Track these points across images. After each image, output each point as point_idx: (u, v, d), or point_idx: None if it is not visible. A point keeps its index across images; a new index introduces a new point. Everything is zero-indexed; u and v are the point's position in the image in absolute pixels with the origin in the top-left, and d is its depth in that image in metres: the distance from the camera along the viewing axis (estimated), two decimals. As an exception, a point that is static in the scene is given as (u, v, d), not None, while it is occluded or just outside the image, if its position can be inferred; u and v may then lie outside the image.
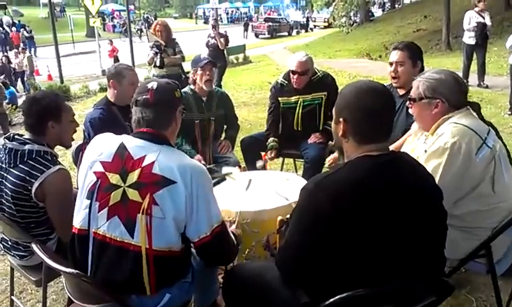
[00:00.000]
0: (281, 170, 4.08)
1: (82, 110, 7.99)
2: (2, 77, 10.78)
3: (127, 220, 1.57)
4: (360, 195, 1.37)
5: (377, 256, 1.38)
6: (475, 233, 1.97)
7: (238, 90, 10.07)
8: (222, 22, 40.41)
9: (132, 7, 36.46)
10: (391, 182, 1.41)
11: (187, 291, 1.77)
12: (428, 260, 1.46)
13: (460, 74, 8.37)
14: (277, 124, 3.72)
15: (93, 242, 1.62)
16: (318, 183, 1.43)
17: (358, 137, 1.48)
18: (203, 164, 3.22)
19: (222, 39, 9.34)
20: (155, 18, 23.72)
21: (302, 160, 3.70)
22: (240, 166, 3.37)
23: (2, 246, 2.30)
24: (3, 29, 24.39)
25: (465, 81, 8.20)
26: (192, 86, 3.56)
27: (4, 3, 28.35)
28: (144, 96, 1.70)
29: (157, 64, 5.44)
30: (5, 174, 2.07)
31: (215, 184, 2.54)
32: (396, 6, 32.60)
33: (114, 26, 33.45)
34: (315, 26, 37.35)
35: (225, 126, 3.78)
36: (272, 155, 3.64)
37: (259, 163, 3.41)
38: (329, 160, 3.24)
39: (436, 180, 1.80)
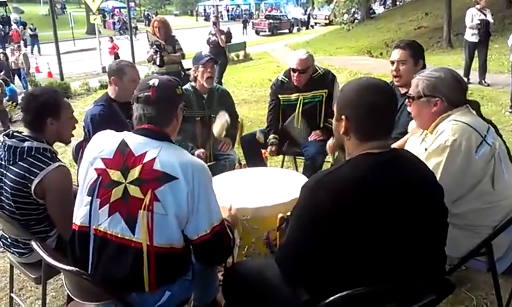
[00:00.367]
0: (282, 167, 4.07)
1: (83, 108, 7.99)
2: (1, 73, 10.76)
3: (128, 216, 1.57)
4: (361, 192, 1.36)
5: (378, 254, 1.37)
6: (475, 231, 1.96)
7: (238, 87, 10.07)
8: (223, 19, 40.40)
9: (132, 4, 36.44)
10: (392, 180, 1.40)
11: (187, 289, 1.76)
12: (429, 258, 1.45)
13: (461, 71, 8.39)
14: (277, 121, 3.72)
15: (94, 238, 1.61)
16: (319, 181, 1.42)
17: (360, 134, 1.47)
18: (204, 160, 3.25)
19: (223, 37, 9.32)
20: (156, 16, 23.66)
21: (302, 158, 3.69)
22: (240, 163, 3.37)
23: (1, 243, 2.30)
24: (9, 26, 24.40)
25: (467, 79, 8.23)
26: (193, 83, 3.55)
27: (5, 0, 28.32)
28: (145, 93, 1.70)
29: (157, 63, 5.44)
30: (4, 172, 2.06)
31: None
32: (397, 3, 32.50)
33: (114, 23, 33.39)
34: (316, 23, 37.26)
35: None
36: (273, 149, 3.63)
37: (258, 134, 3.41)
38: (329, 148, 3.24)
39: (437, 177, 1.79)
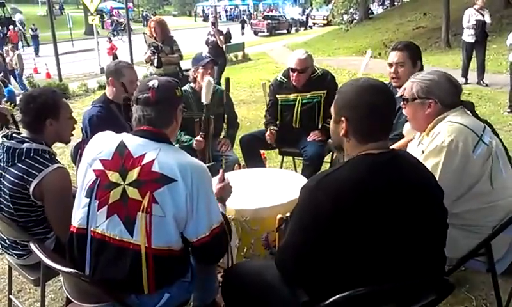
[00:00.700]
0: (281, 168, 4.07)
1: (81, 108, 7.97)
2: (0, 75, 10.73)
3: (126, 218, 1.56)
4: (360, 193, 1.36)
5: (377, 255, 1.37)
6: (474, 231, 1.96)
7: (237, 88, 10.06)
8: (221, 19, 40.40)
9: (130, 5, 36.41)
10: (392, 180, 1.40)
11: (186, 291, 1.76)
12: (428, 259, 1.45)
13: (459, 72, 8.41)
14: (275, 120, 3.71)
15: (91, 241, 1.61)
16: (318, 182, 1.42)
17: (359, 135, 1.47)
18: (203, 160, 3.25)
19: (221, 37, 9.32)
20: (154, 16, 23.65)
21: (301, 158, 3.69)
22: (239, 164, 3.37)
23: (0, 245, 2.28)
24: (7, 26, 24.31)
25: (465, 79, 8.25)
26: (192, 84, 3.55)
27: (3, 1, 28.23)
28: (145, 95, 1.69)
29: (155, 64, 5.44)
30: (3, 173, 2.06)
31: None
32: (395, 3, 32.55)
33: (112, 23, 33.34)
34: (314, 24, 37.29)
35: (225, 124, 3.76)
36: (273, 132, 3.59)
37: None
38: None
39: (436, 178, 1.80)
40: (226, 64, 10.52)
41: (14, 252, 2.20)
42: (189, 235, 1.63)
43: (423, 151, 1.98)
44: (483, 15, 8.04)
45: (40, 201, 2.04)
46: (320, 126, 3.61)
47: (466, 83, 8.22)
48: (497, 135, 2.08)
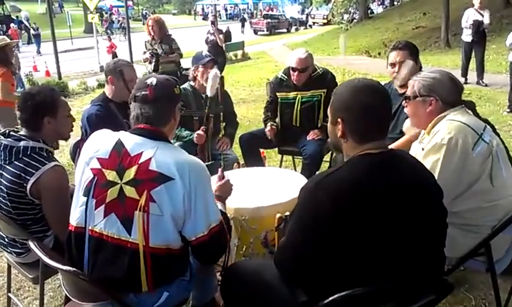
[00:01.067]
0: (280, 167, 4.07)
1: (80, 107, 7.97)
2: None
3: (124, 217, 1.56)
4: (359, 193, 1.36)
5: (377, 255, 1.37)
6: (474, 231, 1.96)
7: (237, 87, 10.05)
8: (221, 18, 40.35)
9: (130, 3, 36.34)
10: (391, 180, 1.40)
11: (185, 289, 1.76)
12: (428, 258, 1.45)
13: (459, 72, 8.41)
14: (274, 117, 3.71)
15: (89, 239, 1.60)
16: (318, 183, 1.42)
17: (357, 136, 1.47)
18: (202, 159, 3.25)
19: (221, 36, 9.31)
20: (154, 14, 23.62)
21: (301, 157, 3.69)
22: (239, 163, 3.36)
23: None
24: (7, 24, 24.28)
25: (464, 79, 8.24)
26: (192, 83, 3.55)
27: (2, -1, 28.18)
28: (143, 92, 1.68)
29: (152, 68, 5.49)
30: (0, 171, 2.05)
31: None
32: (395, 3, 32.53)
33: (112, 22, 33.30)
34: (314, 23, 37.28)
35: (224, 123, 3.76)
36: (274, 127, 3.60)
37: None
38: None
39: (435, 176, 1.80)
40: (226, 63, 10.52)
41: (13, 250, 2.19)
42: (188, 234, 1.62)
43: (423, 149, 1.98)
44: (482, 15, 8.03)
45: (37, 199, 2.03)
46: (319, 125, 3.60)
47: (465, 83, 8.22)
48: (498, 135, 2.08)
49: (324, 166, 3.63)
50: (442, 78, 2.02)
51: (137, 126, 1.69)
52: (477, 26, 8.00)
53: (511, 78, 6.48)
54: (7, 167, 2.03)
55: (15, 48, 5.33)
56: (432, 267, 1.47)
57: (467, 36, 8.27)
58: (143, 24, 29.19)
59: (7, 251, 2.25)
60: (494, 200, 1.96)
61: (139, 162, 1.58)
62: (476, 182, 1.94)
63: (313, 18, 38.27)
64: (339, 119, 1.50)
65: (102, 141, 1.68)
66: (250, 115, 7.14)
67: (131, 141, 1.64)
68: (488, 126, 2.04)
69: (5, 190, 2.03)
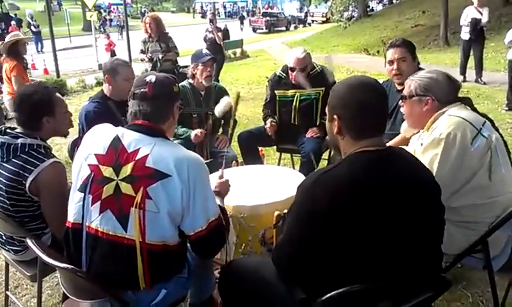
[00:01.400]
0: (279, 165, 4.07)
1: (78, 105, 7.93)
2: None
3: (119, 214, 1.55)
4: (356, 190, 1.36)
5: (374, 252, 1.37)
6: (471, 227, 1.97)
7: (235, 85, 10.04)
8: (220, 16, 40.29)
9: (129, 1, 36.27)
10: (388, 177, 1.40)
11: (183, 287, 1.76)
12: (425, 255, 1.45)
13: (458, 70, 8.41)
14: (273, 115, 3.71)
15: (87, 236, 1.60)
16: (316, 180, 1.42)
17: (353, 133, 1.47)
18: (201, 156, 3.24)
19: (220, 34, 9.29)
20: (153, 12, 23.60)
21: (299, 155, 3.69)
22: (237, 161, 3.36)
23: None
24: (5, 22, 24.15)
25: (463, 77, 8.25)
26: (190, 80, 3.55)
27: (0, -3, 28.09)
28: (142, 90, 1.68)
29: (149, 67, 5.52)
30: (-2, 169, 2.05)
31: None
32: (394, 1, 32.52)
33: (111, 20, 33.22)
34: (313, 21, 37.27)
35: (222, 121, 3.76)
36: (273, 123, 3.60)
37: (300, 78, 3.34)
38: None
39: (434, 171, 1.81)
40: (225, 61, 10.51)
41: (11, 248, 2.19)
42: (186, 229, 1.63)
43: (422, 144, 1.99)
44: (481, 13, 8.04)
45: (36, 196, 2.03)
46: (318, 123, 3.60)
47: (464, 81, 8.22)
48: (497, 130, 2.08)
49: (323, 164, 3.63)
50: (439, 78, 2.03)
51: (134, 122, 1.69)
52: (475, 24, 8.01)
53: (510, 76, 6.48)
54: (5, 164, 2.02)
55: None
56: (429, 264, 1.47)
57: (465, 33, 8.28)
58: (142, 22, 29.17)
59: (5, 249, 2.24)
60: (492, 197, 1.97)
61: (136, 158, 1.58)
62: (474, 177, 1.95)
63: (312, 16, 38.29)
64: (335, 116, 1.50)
65: (100, 137, 1.68)
66: (249, 113, 7.13)
67: (128, 137, 1.63)
68: (488, 122, 2.04)
69: (3, 188, 2.02)
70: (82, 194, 1.60)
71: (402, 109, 2.18)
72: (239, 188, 2.45)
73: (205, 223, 1.62)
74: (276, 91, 3.65)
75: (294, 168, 3.98)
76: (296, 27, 35.01)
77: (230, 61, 14.53)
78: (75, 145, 2.96)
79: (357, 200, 1.35)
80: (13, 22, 23.64)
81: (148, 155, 1.57)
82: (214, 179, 2.18)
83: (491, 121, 2.08)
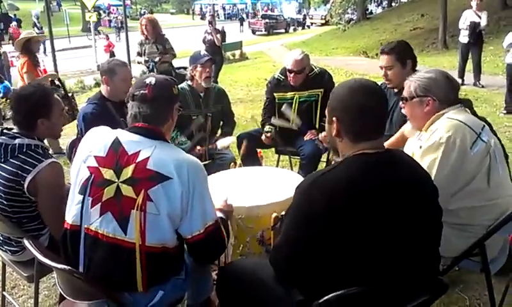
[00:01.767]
0: (277, 166, 4.07)
1: (77, 105, 7.92)
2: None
3: (120, 216, 1.55)
4: (354, 193, 1.36)
5: (371, 254, 1.37)
6: (469, 230, 1.97)
7: (234, 87, 10.05)
8: (219, 18, 40.37)
9: (128, 2, 36.28)
10: (386, 180, 1.40)
11: (180, 288, 1.75)
12: (423, 258, 1.46)
13: (456, 73, 8.42)
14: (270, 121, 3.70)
15: (85, 238, 1.60)
16: (314, 181, 1.42)
17: (352, 136, 1.48)
18: (199, 153, 3.25)
19: (219, 36, 9.29)
20: (151, 14, 23.64)
21: (298, 157, 3.69)
22: (236, 163, 3.36)
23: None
24: (5, 23, 24.12)
25: (461, 80, 8.26)
26: (189, 82, 3.55)
27: (-1, -4, 28.08)
28: (142, 91, 1.68)
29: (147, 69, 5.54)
30: (-4, 170, 2.04)
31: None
32: (393, 4, 32.60)
33: (110, 21, 33.23)
34: (312, 23, 37.33)
35: (221, 123, 3.76)
36: (268, 135, 3.61)
37: (286, 110, 3.37)
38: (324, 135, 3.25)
39: (432, 175, 1.81)
40: (224, 63, 10.51)
41: (8, 248, 2.19)
42: (184, 232, 1.62)
43: (421, 147, 1.99)
44: (480, 17, 8.06)
45: (34, 196, 2.02)
46: (317, 125, 3.60)
47: (462, 84, 8.22)
48: (495, 134, 2.08)
49: (321, 166, 3.63)
50: (438, 78, 2.02)
51: (134, 125, 1.69)
52: (474, 28, 8.02)
53: (508, 79, 6.50)
54: (2, 165, 2.02)
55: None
56: (427, 266, 1.47)
57: (464, 37, 8.30)
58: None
59: (2, 249, 2.24)
60: (489, 200, 1.97)
61: (137, 160, 1.58)
62: (472, 181, 1.95)
63: (312, 18, 38.35)
64: (334, 118, 1.51)
65: (99, 139, 1.67)
66: (248, 115, 7.13)
67: (129, 139, 1.64)
68: (486, 126, 2.04)
69: (1, 188, 2.02)
70: (82, 196, 1.60)
71: (403, 110, 2.18)
72: (237, 190, 2.45)
73: (202, 227, 1.62)
74: (275, 94, 3.65)
75: (292, 170, 3.98)
76: (295, 30, 35.06)
77: (229, 63, 14.54)
78: (73, 146, 2.96)
79: (354, 202, 1.35)
80: (14, 23, 23.66)
81: (149, 157, 1.58)
82: (213, 182, 2.19)
83: (489, 124, 2.08)
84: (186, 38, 15.20)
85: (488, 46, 10.72)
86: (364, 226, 1.35)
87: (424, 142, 1.98)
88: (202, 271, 1.95)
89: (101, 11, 33.76)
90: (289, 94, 3.58)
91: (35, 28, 21.86)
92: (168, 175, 1.55)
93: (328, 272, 1.40)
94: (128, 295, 1.59)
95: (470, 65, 8.57)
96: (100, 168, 1.60)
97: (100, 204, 1.57)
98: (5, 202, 2.03)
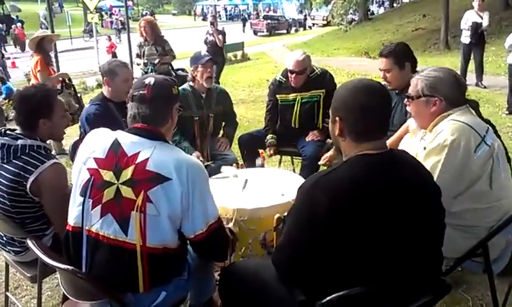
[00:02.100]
0: (279, 168, 4.07)
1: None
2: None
3: (120, 217, 1.55)
4: (357, 193, 1.36)
5: (374, 254, 1.37)
6: (471, 231, 1.97)
7: (236, 87, 10.05)
8: (221, 19, 40.39)
9: (130, 3, 36.30)
10: (389, 180, 1.40)
11: (183, 289, 1.76)
12: (426, 259, 1.45)
13: (458, 73, 8.41)
14: (275, 121, 3.72)
15: (87, 239, 1.60)
16: (316, 182, 1.42)
17: (354, 135, 1.47)
18: (201, 161, 3.24)
19: (220, 36, 9.30)
20: (152, 15, 23.67)
21: (300, 158, 3.69)
22: (238, 164, 3.36)
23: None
24: (7, 24, 24.17)
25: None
26: (191, 83, 3.55)
27: (2, -2, 28.18)
28: (141, 92, 1.68)
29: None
30: (-1, 170, 2.05)
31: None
32: (395, 4, 32.58)
33: (112, 22, 33.27)
34: (313, 24, 37.33)
35: (223, 123, 3.76)
36: (271, 152, 3.63)
37: (258, 161, 3.39)
38: (324, 158, 3.23)
39: (435, 176, 1.80)
40: (225, 64, 10.51)
41: (11, 249, 2.19)
42: (186, 232, 1.63)
43: (425, 148, 1.98)
44: (481, 17, 8.05)
45: (37, 197, 2.03)
46: (319, 126, 3.60)
47: (464, 85, 8.21)
48: (499, 137, 2.07)
49: (323, 167, 3.63)
50: (445, 77, 2.00)
51: (134, 126, 1.69)
52: (476, 28, 8.01)
53: (510, 80, 6.48)
54: (5, 166, 2.03)
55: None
56: (429, 267, 1.47)
57: (466, 37, 8.28)
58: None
59: (5, 250, 2.24)
60: (492, 202, 1.96)
61: (136, 162, 1.58)
62: (475, 183, 1.94)
63: (313, 19, 38.34)
64: (337, 118, 1.50)
65: (99, 141, 1.68)
66: (249, 115, 7.14)
67: (128, 141, 1.64)
68: (491, 128, 2.03)
69: (4, 189, 2.03)
70: (82, 198, 1.60)
71: (408, 108, 2.17)
72: (240, 191, 2.45)
73: (204, 226, 1.62)
74: (277, 96, 3.66)
75: (294, 171, 3.98)
76: (296, 30, 35.04)
77: (230, 64, 14.54)
78: (76, 147, 2.97)
79: (357, 203, 1.35)
80: (18, 24, 23.68)
81: (148, 158, 1.58)
82: (215, 183, 2.19)
83: (493, 126, 2.06)
84: (188, 39, 15.18)
85: (490, 46, 10.70)
86: (367, 226, 1.35)
87: (427, 144, 1.97)
88: (205, 271, 1.95)
89: (103, 13, 33.83)
90: (291, 96, 3.58)
91: (42, 28, 21.99)
92: (167, 176, 1.55)
93: (330, 272, 1.40)
94: (131, 296, 1.59)
95: (472, 66, 8.55)
96: (99, 170, 1.60)
97: (100, 206, 1.57)
98: (8, 203, 2.04)
